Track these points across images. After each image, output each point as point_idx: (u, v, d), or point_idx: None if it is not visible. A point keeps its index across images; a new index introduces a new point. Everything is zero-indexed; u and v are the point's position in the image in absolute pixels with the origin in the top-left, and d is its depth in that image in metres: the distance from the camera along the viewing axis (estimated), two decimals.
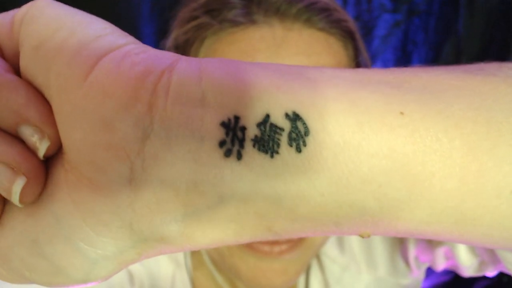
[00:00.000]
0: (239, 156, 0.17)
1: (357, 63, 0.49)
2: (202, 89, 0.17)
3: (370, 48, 1.21)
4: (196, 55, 0.46)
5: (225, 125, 0.17)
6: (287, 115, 0.18)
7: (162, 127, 0.17)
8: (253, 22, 0.44)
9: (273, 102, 0.18)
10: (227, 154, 0.17)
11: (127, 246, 0.18)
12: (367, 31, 1.21)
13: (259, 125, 0.18)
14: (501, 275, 1.05)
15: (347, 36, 0.47)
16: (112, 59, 0.18)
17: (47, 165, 0.19)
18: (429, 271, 0.71)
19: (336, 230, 0.20)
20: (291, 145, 0.18)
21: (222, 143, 0.17)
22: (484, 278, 1.06)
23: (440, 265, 0.55)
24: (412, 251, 0.57)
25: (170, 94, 0.17)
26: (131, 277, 0.54)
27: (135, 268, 0.54)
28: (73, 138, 0.18)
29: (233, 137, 0.17)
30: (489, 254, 0.47)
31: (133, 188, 0.17)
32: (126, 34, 0.19)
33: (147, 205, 0.18)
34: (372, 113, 0.18)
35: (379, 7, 1.21)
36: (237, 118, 0.17)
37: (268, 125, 0.18)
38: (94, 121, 0.17)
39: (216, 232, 0.19)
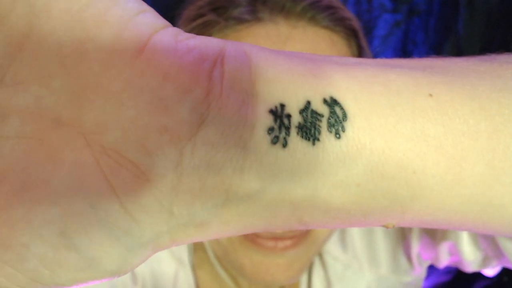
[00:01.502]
0: (285, 143, 0.18)
1: None
2: (252, 77, 0.18)
3: (370, 48, 1.21)
4: None
5: (273, 112, 0.18)
6: (325, 101, 0.18)
7: (217, 113, 0.17)
8: (258, 19, 0.44)
9: (311, 88, 0.18)
10: (274, 141, 0.18)
11: (163, 232, 0.18)
12: (367, 31, 1.21)
13: (301, 112, 0.18)
14: (501, 275, 1.06)
15: (351, 34, 0.48)
16: (166, 39, 0.17)
17: (64, 150, 0.17)
18: (429, 271, 0.72)
19: (362, 221, 0.20)
20: (330, 131, 0.18)
21: (270, 130, 0.17)
22: (484, 278, 1.06)
23: (443, 261, 0.55)
24: (415, 248, 0.57)
25: (225, 81, 0.17)
26: (133, 276, 0.54)
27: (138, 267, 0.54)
28: (121, 117, 0.17)
29: (281, 124, 0.18)
30: (493, 248, 0.48)
31: (179, 172, 0.17)
32: (157, 13, 0.19)
33: (191, 190, 0.17)
34: (403, 95, 0.18)
35: (379, 7, 1.21)
36: (282, 106, 0.18)
37: (309, 111, 0.18)
38: (151, 102, 0.17)
39: (250, 219, 0.19)
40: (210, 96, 0.17)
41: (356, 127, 0.18)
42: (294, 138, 0.18)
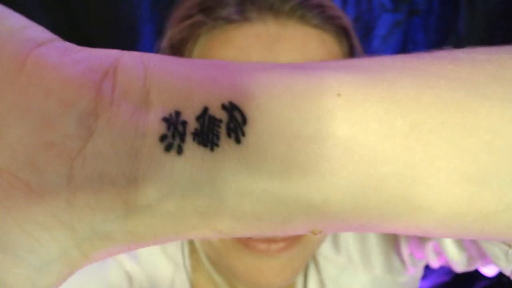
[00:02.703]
0: (180, 150, 0.17)
1: None
2: (146, 87, 0.17)
3: (370, 48, 1.21)
4: (190, 54, 0.46)
5: (166, 120, 0.17)
6: (224, 106, 0.18)
7: (106, 125, 0.17)
8: (247, 19, 0.44)
9: (209, 94, 0.18)
10: (168, 148, 0.17)
11: (70, 246, 0.17)
12: (367, 31, 1.21)
13: (198, 118, 0.17)
14: (501, 275, 1.05)
15: (342, 32, 0.47)
16: (49, 53, 0.17)
17: None
18: (429, 271, 0.71)
19: (285, 228, 0.19)
20: (230, 136, 0.17)
21: (163, 138, 0.17)
22: (484, 278, 1.06)
23: (433, 261, 0.55)
24: (405, 249, 0.57)
25: (116, 92, 0.17)
26: (130, 279, 0.54)
27: (134, 270, 0.54)
28: (8, 138, 0.16)
29: (174, 131, 0.17)
30: (476, 248, 0.47)
31: (73, 187, 0.17)
32: (43, 28, 0.18)
33: (87, 204, 0.17)
34: (306, 96, 0.18)
35: (379, 7, 1.21)
36: (178, 113, 0.17)
37: (206, 117, 0.17)
38: (35, 120, 0.16)
39: (158, 228, 0.18)
40: (98, 107, 0.17)
41: (256, 132, 0.17)
42: (191, 145, 0.17)
